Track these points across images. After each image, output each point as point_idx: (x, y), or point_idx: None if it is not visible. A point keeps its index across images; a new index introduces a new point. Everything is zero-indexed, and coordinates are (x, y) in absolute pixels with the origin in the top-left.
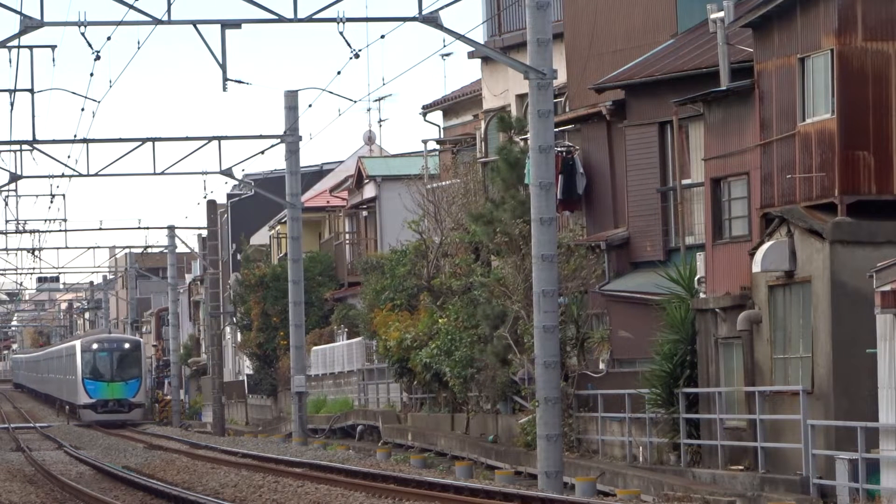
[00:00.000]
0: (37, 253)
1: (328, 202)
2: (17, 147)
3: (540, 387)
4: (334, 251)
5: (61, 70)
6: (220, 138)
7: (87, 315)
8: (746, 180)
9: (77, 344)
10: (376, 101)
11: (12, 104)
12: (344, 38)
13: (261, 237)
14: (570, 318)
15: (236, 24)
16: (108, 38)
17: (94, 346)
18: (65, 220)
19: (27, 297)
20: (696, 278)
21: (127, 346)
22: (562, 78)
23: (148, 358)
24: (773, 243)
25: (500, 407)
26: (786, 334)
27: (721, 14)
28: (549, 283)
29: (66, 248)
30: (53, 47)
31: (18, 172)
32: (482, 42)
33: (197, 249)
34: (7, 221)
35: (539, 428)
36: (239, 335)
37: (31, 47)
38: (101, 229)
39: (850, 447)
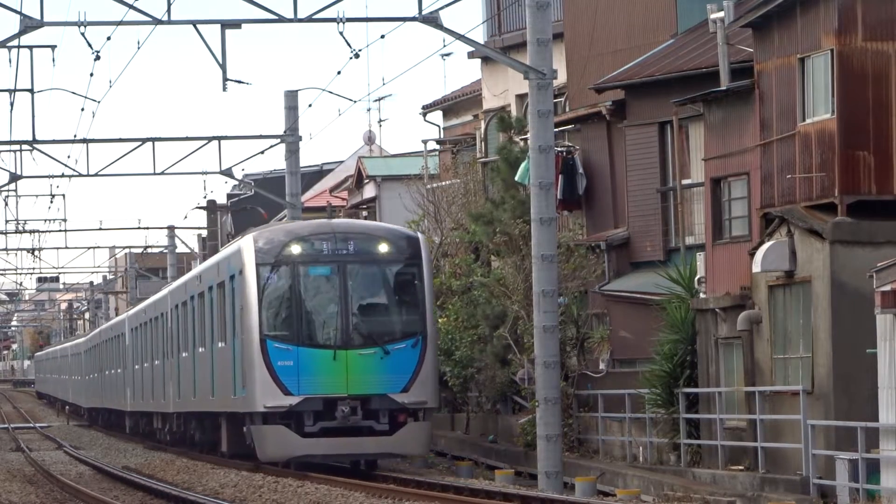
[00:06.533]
0: (37, 253)
1: (328, 202)
2: (17, 147)
3: (540, 387)
4: None
5: (61, 70)
6: (220, 138)
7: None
8: (746, 180)
9: (247, 245)
10: (376, 101)
11: (12, 104)
12: (344, 38)
13: None
14: (570, 318)
15: (236, 24)
16: (108, 38)
17: (295, 248)
18: (65, 220)
19: (27, 297)
20: (696, 278)
21: (383, 249)
22: (562, 78)
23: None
24: (773, 243)
25: (499, 407)
26: (786, 334)
27: (721, 14)
28: (549, 283)
29: (66, 248)
30: (53, 47)
31: (18, 172)
32: (482, 42)
33: (197, 249)
34: (7, 221)
35: (539, 428)
36: None
37: (31, 47)
38: (101, 229)
39: (850, 447)
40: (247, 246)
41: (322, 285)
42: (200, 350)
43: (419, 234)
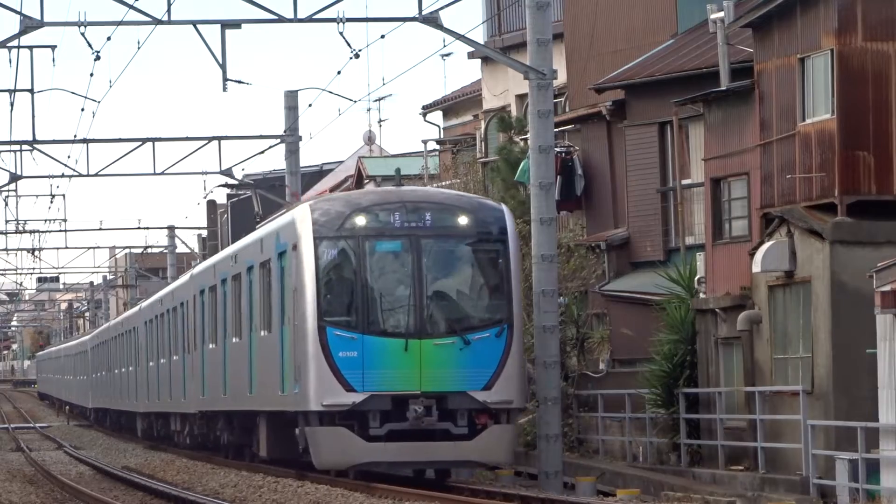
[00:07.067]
0: (37, 253)
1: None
2: (17, 147)
3: (540, 387)
4: None
5: (61, 70)
6: (220, 138)
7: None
8: (746, 180)
9: (303, 215)
10: (376, 101)
11: (12, 104)
12: (344, 38)
13: None
14: (570, 318)
15: (236, 24)
16: (108, 38)
17: (360, 220)
18: (65, 220)
19: (27, 297)
20: (696, 278)
21: (463, 221)
22: (562, 78)
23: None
24: (773, 243)
25: None
26: (786, 334)
27: (721, 14)
28: (549, 283)
29: (66, 248)
30: (53, 47)
31: (18, 172)
32: (482, 42)
33: (197, 249)
34: (7, 221)
35: (539, 428)
36: None
37: (31, 47)
38: (101, 229)
39: (850, 447)
40: (302, 217)
41: (391, 263)
42: (234, 341)
43: (503, 206)
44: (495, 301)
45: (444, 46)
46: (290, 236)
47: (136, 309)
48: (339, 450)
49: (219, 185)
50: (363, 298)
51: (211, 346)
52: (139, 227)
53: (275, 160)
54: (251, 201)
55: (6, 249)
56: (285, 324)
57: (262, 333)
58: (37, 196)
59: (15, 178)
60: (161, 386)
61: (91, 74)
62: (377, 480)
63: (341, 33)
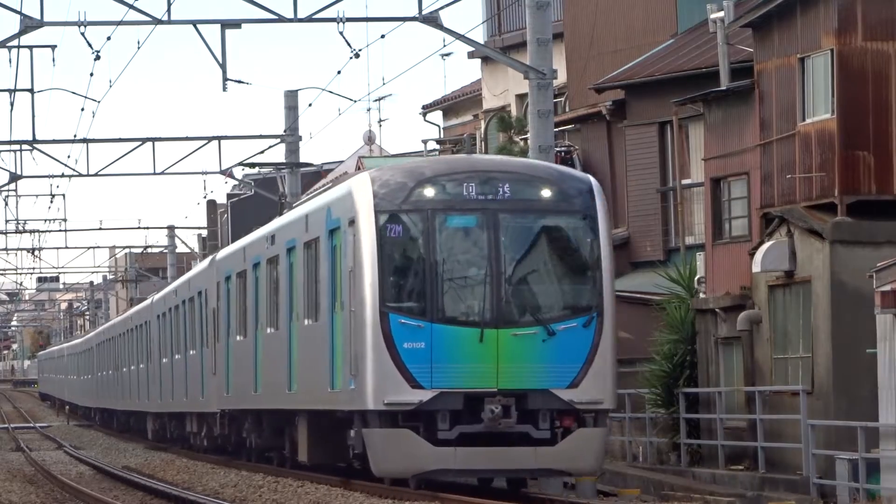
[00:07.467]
0: (37, 253)
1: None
2: (17, 147)
3: None
4: None
5: (61, 70)
6: (220, 138)
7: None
8: (746, 180)
9: (362, 186)
10: (376, 101)
11: (12, 104)
12: (344, 38)
13: None
14: None
15: (236, 24)
16: (108, 38)
17: (428, 191)
18: (65, 220)
19: (27, 297)
20: (696, 278)
21: (546, 194)
22: (562, 78)
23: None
24: (773, 243)
25: None
26: (786, 334)
27: (721, 14)
28: None
29: (66, 248)
30: (53, 47)
31: (18, 172)
32: (482, 42)
33: (197, 249)
34: (7, 221)
35: None
36: None
37: (31, 47)
38: (101, 229)
39: (850, 447)
40: (361, 187)
41: (463, 241)
42: (269, 331)
43: (591, 178)
44: (583, 286)
45: (444, 46)
46: (345, 210)
47: (147, 302)
48: (402, 455)
49: (240, 164)
50: (432, 281)
51: (238, 338)
52: (139, 227)
53: (275, 160)
54: (251, 201)
55: (6, 249)
56: (337, 310)
57: (306, 322)
58: (37, 196)
59: (15, 177)
60: (176, 384)
61: (91, 74)
62: (443, 489)
63: (341, 33)
